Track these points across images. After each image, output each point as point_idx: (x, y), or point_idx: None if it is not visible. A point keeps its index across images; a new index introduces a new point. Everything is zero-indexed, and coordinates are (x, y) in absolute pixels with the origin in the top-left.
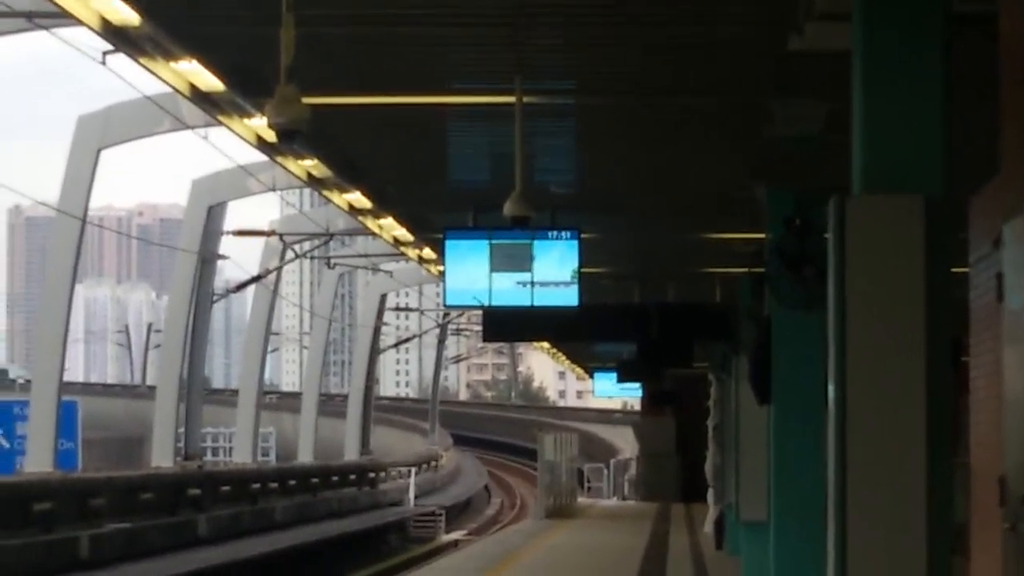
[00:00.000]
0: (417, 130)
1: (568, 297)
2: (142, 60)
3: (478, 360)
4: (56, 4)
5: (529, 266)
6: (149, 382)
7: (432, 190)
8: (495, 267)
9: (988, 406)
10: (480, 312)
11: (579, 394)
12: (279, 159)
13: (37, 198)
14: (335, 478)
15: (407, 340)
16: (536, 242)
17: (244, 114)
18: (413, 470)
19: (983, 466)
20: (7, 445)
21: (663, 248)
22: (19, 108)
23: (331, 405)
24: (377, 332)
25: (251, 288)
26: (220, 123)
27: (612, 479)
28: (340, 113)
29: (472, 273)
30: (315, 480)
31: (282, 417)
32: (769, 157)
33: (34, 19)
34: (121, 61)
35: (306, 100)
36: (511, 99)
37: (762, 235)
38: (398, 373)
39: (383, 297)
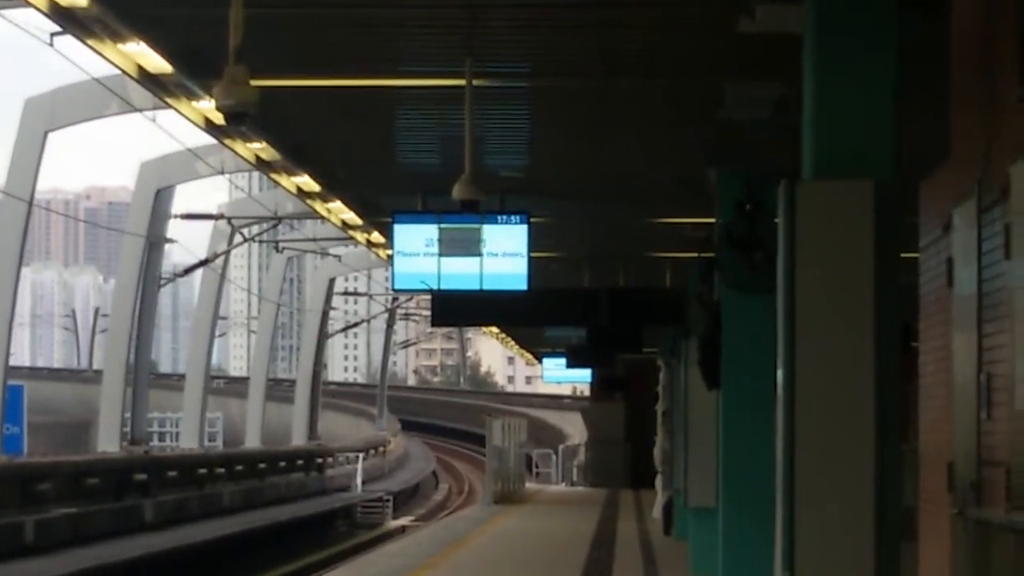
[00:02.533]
0: (366, 113)
1: (517, 281)
2: (90, 41)
3: (427, 345)
4: None
5: (479, 250)
6: (96, 366)
7: (381, 173)
8: (444, 251)
9: (937, 392)
10: (429, 296)
11: (528, 379)
12: (227, 142)
13: None
14: (282, 463)
15: (355, 325)
16: (485, 226)
17: (192, 96)
18: (361, 456)
19: (932, 451)
20: None
21: (613, 232)
22: None
23: (279, 390)
24: (325, 317)
25: (199, 272)
26: (168, 105)
27: (561, 465)
28: (289, 95)
29: (421, 257)
30: (262, 465)
31: (229, 402)
32: (720, 141)
33: None
34: (69, 42)
35: (255, 82)
36: (461, 82)
37: (713, 219)
38: (346, 358)
39: (331, 281)
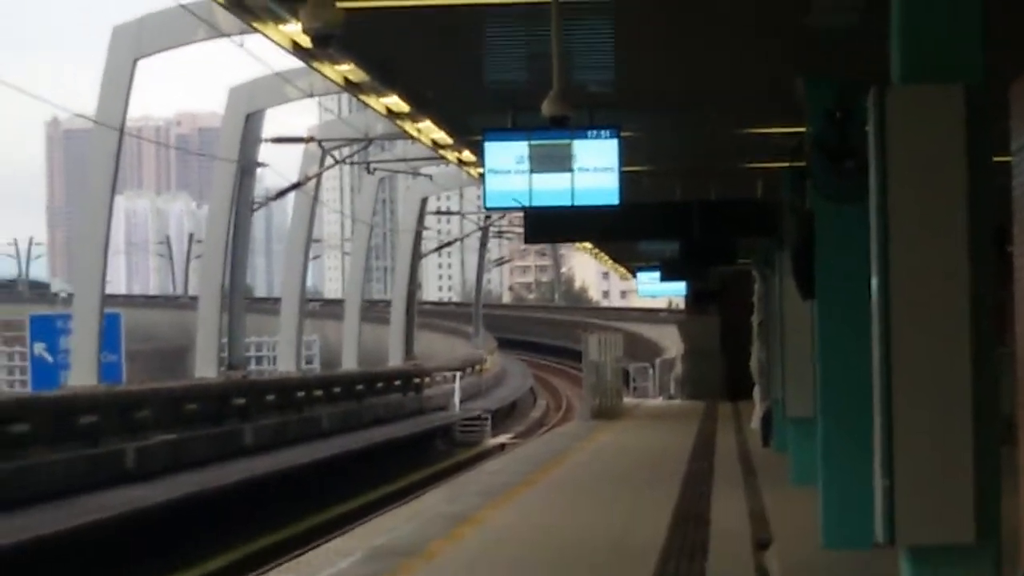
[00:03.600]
0: (453, 31)
1: (609, 196)
2: None
3: (520, 263)
4: None
5: (570, 165)
6: (192, 292)
7: (470, 92)
8: (535, 168)
9: None
10: (521, 214)
11: (623, 294)
12: (315, 64)
13: (75, 110)
14: (380, 384)
15: (449, 244)
16: (576, 141)
17: (279, 20)
18: (458, 374)
19: None
20: (51, 359)
21: (704, 144)
22: (54, 19)
23: (374, 311)
24: (419, 237)
25: (291, 196)
26: (255, 30)
27: (658, 379)
28: (375, 16)
29: (512, 174)
30: (360, 387)
31: (325, 325)
32: (808, 48)
33: None
34: None
35: (340, 4)
36: None
37: (802, 128)
38: (440, 278)
39: (424, 201)
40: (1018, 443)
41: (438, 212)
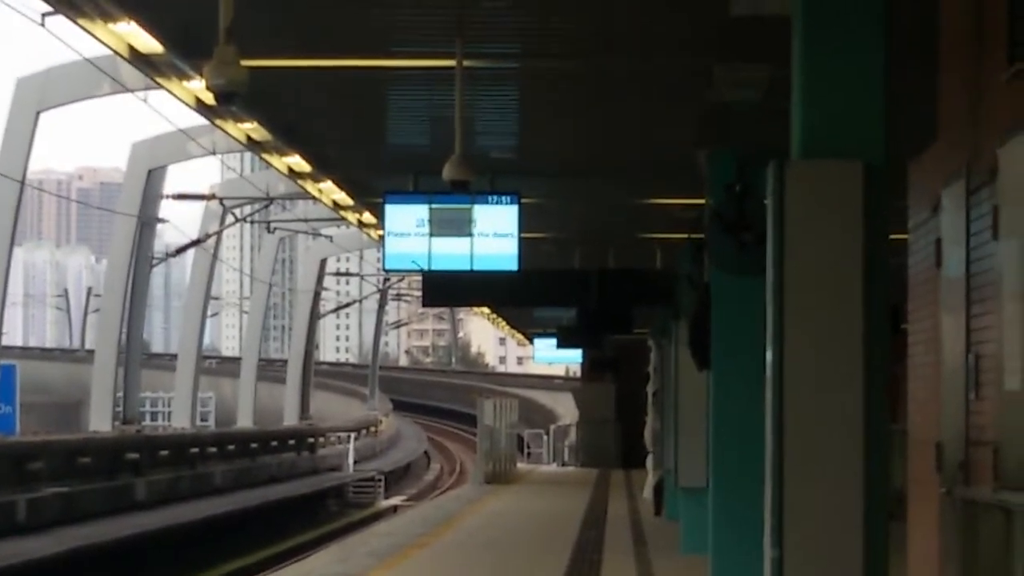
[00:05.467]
0: (357, 93)
1: (508, 262)
2: (81, 21)
3: (418, 326)
4: None
5: (469, 230)
6: (88, 346)
7: (372, 154)
8: (435, 231)
9: (926, 372)
10: (420, 277)
11: (519, 360)
12: (218, 122)
13: None
14: (274, 443)
15: (347, 305)
16: (476, 206)
17: (183, 76)
18: (352, 435)
19: (920, 432)
20: None
21: (604, 213)
22: None
23: (271, 370)
24: (317, 297)
25: (191, 252)
26: (159, 85)
27: (552, 445)
28: (279, 75)
29: (412, 237)
30: (254, 445)
31: (222, 382)
32: (710, 122)
33: None
34: (60, 22)
35: (245, 62)
36: (452, 63)
37: (703, 200)
38: (338, 338)
39: (323, 262)
40: (907, 519)
41: (337, 273)
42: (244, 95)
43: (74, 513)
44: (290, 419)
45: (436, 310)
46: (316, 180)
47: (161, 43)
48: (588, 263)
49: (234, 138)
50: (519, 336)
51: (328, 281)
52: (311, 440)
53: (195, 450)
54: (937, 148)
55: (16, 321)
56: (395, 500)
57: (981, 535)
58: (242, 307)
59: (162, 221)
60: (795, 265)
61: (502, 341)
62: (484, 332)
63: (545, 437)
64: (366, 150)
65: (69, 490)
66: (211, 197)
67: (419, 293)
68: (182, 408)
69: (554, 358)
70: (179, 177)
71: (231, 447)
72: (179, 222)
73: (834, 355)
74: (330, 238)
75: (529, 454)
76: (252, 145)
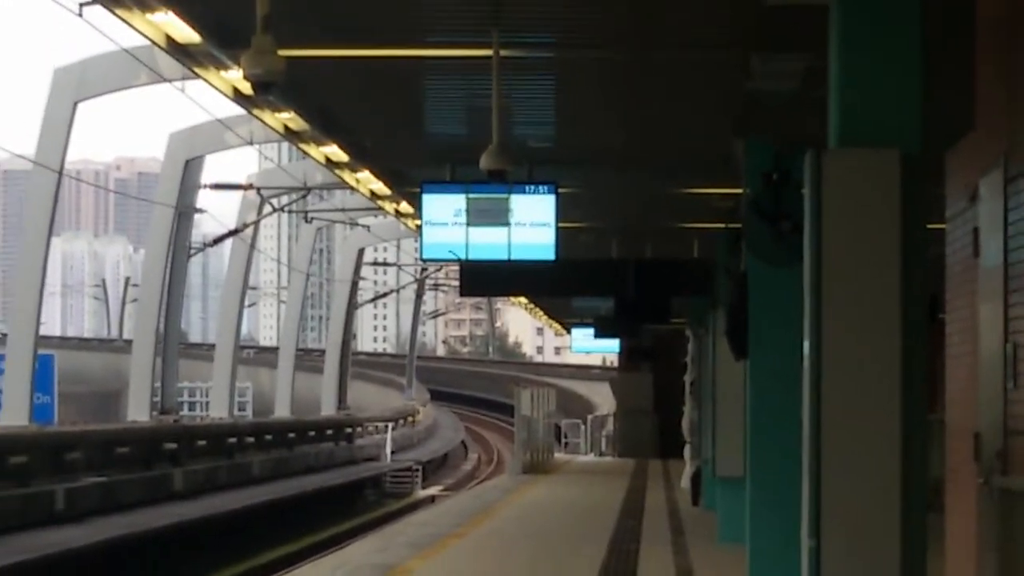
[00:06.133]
0: (394, 83)
1: (545, 251)
2: (118, 11)
3: (455, 316)
4: None
5: (507, 220)
6: (126, 336)
7: (409, 143)
8: (472, 221)
9: (963, 362)
10: (457, 267)
11: (557, 350)
12: (255, 112)
13: (14, 151)
14: (312, 433)
15: (385, 295)
16: (513, 196)
17: (220, 66)
18: (390, 425)
19: (958, 422)
20: None
21: (641, 203)
22: None
23: (308, 360)
24: (355, 287)
25: (228, 242)
26: (196, 75)
27: (589, 435)
28: (316, 65)
29: (449, 227)
30: (292, 435)
31: (259, 372)
32: (748, 112)
33: None
34: (98, 13)
35: (282, 52)
36: (488, 52)
37: (740, 190)
38: (376, 328)
39: (361, 251)
40: (944, 509)
41: (375, 263)
42: (281, 85)
43: (112, 503)
44: (328, 409)
45: (473, 300)
46: (353, 170)
47: (199, 33)
48: (625, 253)
49: (271, 128)
50: (556, 326)
51: (365, 271)
52: (349, 430)
53: (233, 440)
54: (974, 137)
55: (54, 311)
56: (433, 490)
57: (1018, 525)
58: (280, 297)
59: (200, 211)
60: (832, 254)
61: (539, 331)
62: (521, 322)
63: (582, 427)
64: (403, 140)
65: (107, 480)
66: (248, 187)
67: (456, 283)
68: (220, 398)
69: (592, 348)
70: (216, 167)
71: (268, 437)
72: (217, 212)
73: (872, 345)
74: (367, 228)
75: (566, 444)
76: (289, 135)
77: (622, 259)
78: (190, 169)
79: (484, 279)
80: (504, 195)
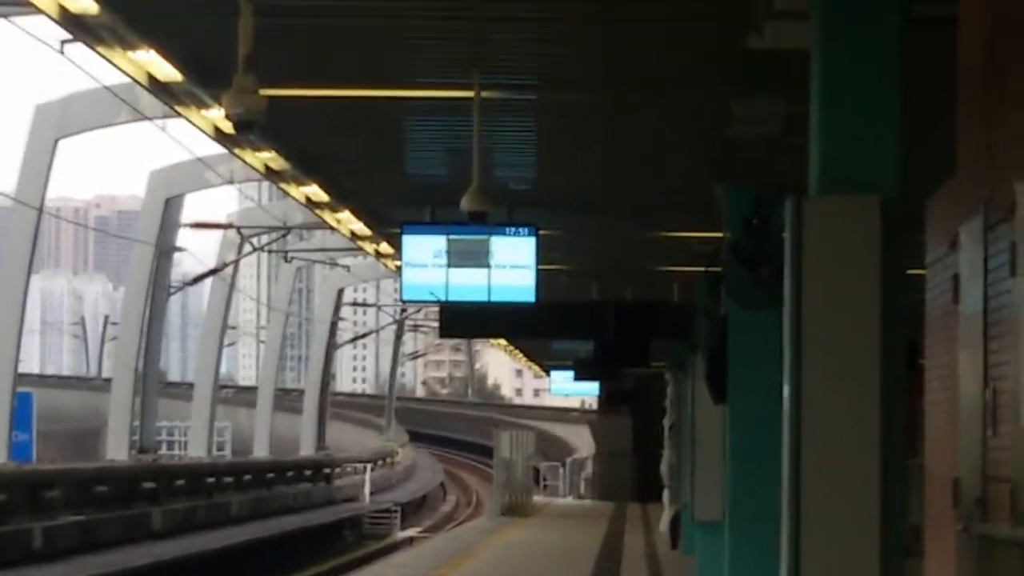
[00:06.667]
0: (375, 124)
1: (525, 293)
2: (100, 49)
3: (435, 357)
4: None
5: (487, 261)
6: (105, 374)
7: (390, 184)
8: (452, 262)
9: (943, 408)
10: (437, 308)
11: (536, 392)
12: (236, 151)
13: None
14: (290, 473)
15: (364, 335)
16: (494, 238)
17: (202, 105)
18: (368, 466)
19: (937, 468)
20: None
21: (622, 246)
22: None
23: (287, 400)
24: (334, 327)
25: (208, 281)
26: (178, 114)
27: (568, 478)
28: (298, 105)
29: (429, 268)
30: (270, 475)
31: (238, 411)
32: (728, 156)
33: None
34: (79, 50)
35: (263, 92)
36: (470, 94)
37: (720, 234)
38: (355, 368)
39: (340, 292)
40: (923, 555)
41: (354, 303)
42: (262, 124)
43: (90, 542)
44: (306, 449)
45: (453, 341)
46: (334, 210)
47: (180, 71)
48: (605, 295)
49: (252, 167)
50: (536, 368)
51: (345, 311)
52: (327, 470)
53: (211, 479)
54: (955, 184)
55: (33, 349)
56: (411, 531)
57: (997, 572)
58: (259, 336)
59: (179, 250)
60: (812, 300)
61: (519, 373)
62: (501, 364)
63: (561, 470)
64: (384, 180)
65: (85, 519)
66: (228, 226)
67: (436, 324)
68: (198, 437)
69: (571, 390)
70: (197, 206)
71: (247, 477)
72: (196, 251)
73: (851, 390)
74: (347, 268)
75: (545, 486)
76: (270, 174)
77: (602, 302)
78: (170, 207)
79: (464, 321)
80: (484, 237)
